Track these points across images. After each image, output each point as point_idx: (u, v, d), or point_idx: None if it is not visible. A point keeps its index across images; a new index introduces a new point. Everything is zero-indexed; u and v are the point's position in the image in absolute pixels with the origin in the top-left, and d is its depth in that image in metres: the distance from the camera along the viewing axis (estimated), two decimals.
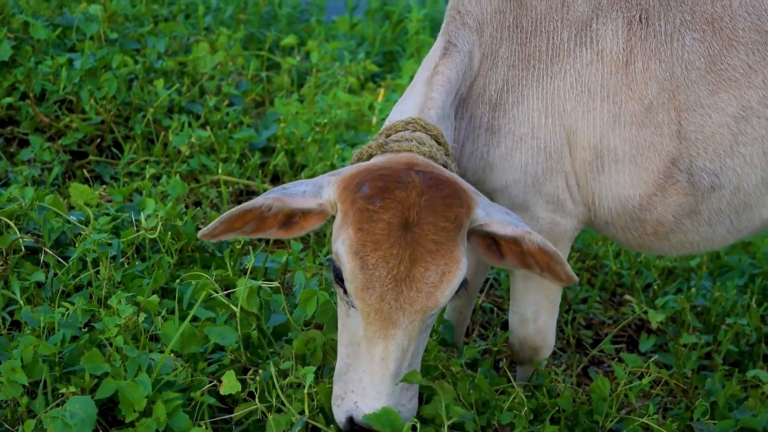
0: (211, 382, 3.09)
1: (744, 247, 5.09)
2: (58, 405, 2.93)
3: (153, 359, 3.06)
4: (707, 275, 4.87)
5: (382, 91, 5.61)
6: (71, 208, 3.94)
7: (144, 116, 4.75)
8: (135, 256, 3.73)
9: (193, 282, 3.37)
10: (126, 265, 3.63)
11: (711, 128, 3.27)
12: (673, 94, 3.26)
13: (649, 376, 3.47)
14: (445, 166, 2.99)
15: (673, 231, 3.40)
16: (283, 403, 2.99)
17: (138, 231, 3.68)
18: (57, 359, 3.05)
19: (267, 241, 4.23)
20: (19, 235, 3.60)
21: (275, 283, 3.29)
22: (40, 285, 3.54)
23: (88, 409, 2.82)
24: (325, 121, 4.82)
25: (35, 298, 3.48)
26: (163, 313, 3.31)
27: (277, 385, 2.99)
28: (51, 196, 3.84)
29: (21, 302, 3.37)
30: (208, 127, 4.78)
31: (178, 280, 3.49)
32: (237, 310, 3.22)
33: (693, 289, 4.55)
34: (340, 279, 2.82)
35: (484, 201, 2.97)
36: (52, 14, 5.24)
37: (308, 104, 5.24)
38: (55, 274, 3.58)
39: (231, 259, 3.70)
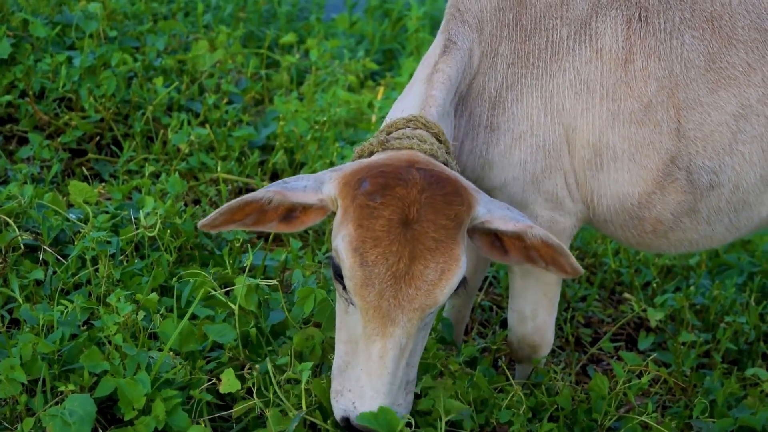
0: (209, 380, 3.09)
1: (743, 245, 5.09)
2: (57, 403, 2.93)
3: (152, 357, 3.06)
4: (706, 273, 4.87)
5: (381, 89, 5.61)
6: (70, 206, 3.95)
7: (143, 114, 4.75)
8: (134, 254, 3.73)
9: (191, 280, 3.37)
10: (125, 263, 3.63)
11: (710, 126, 3.27)
12: (672, 92, 3.26)
13: (648, 374, 3.47)
14: (446, 164, 2.99)
15: (672, 229, 3.40)
16: (280, 399, 2.99)
17: (137, 229, 3.68)
18: (56, 357, 3.06)
19: (266, 239, 4.23)
20: (18, 232, 3.60)
21: (274, 281, 3.29)
22: (39, 283, 3.54)
23: (87, 407, 2.82)
24: (325, 119, 4.82)
25: (34, 296, 3.48)
26: (162, 311, 3.31)
27: (273, 381, 2.99)
28: (50, 194, 3.84)
29: (20, 300, 3.37)
30: (207, 125, 4.78)
31: (176, 278, 3.49)
32: (235, 308, 3.22)
33: (692, 288, 4.55)
34: (339, 276, 2.82)
35: (484, 198, 2.97)
36: (51, 12, 5.23)
37: (307, 102, 5.24)
38: (54, 272, 3.58)
39: (230, 257, 3.70)
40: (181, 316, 3.21)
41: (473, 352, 3.50)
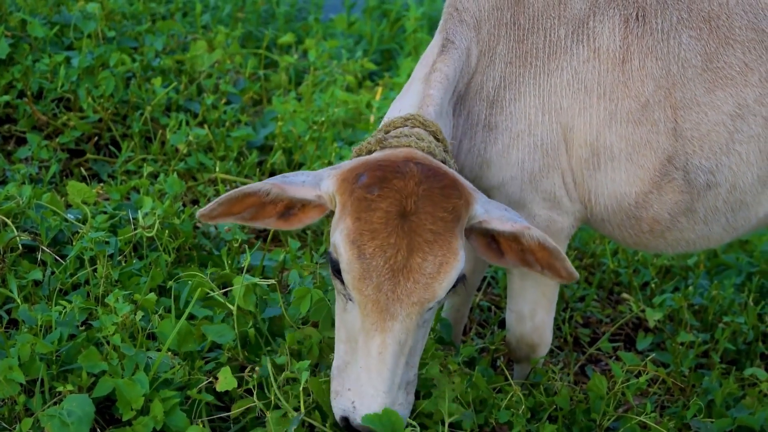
0: (208, 380, 3.09)
1: (741, 245, 5.09)
2: (55, 403, 2.93)
3: (150, 357, 3.06)
4: (705, 273, 4.87)
5: (379, 89, 5.61)
6: (68, 206, 3.95)
7: (141, 114, 4.75)
8: (132, 254, 3.73)
9: (190, 280, 3.37)
10: (123, 264, 3.63)
11: (707, 126, 3.27)
12: (669, 91, 3.26)
13: (647, 374, 3.48)
14: (444, 162, 2.99)
15: (669, 229, 3.40)
16: (279, 400, 2.98)
17: (135, 229, 3.68)
18: (54, 357, 3.05)
19: (264, 239, 4.23)
20: (16, 233, 3.59)
21: (272, 281, 3.29)
22: (37, 283, 3.54)
23: (85, 408, 2.82)
24: (323, 119, 4.82)
25: (32, 296, 3.48)
26: (161, 311, 3.31)
27: (273, 382, 2.99)
28: (48, 195, 3.83)
29: (18, 300, 3.37)
30: (205, 126, 4.78)
31: (175, 279, 3.49)
32: (234, 308, 3.22)
33: (690, 288, 4.55)
34: (337, 271, 2.82)
35: (482, 198, 2.97)
36: (49, 12, 5.23)
37: (306, 102, 5.24)
38: (53, 273, 3.58)
39: (228, 258, 3.70)
40: (179, 317, 3.20)
41: (472, 352, 3.50)
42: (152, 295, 3.31)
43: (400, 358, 2.80)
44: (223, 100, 5.00)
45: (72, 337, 3.17)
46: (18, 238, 3.59)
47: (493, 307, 4.43)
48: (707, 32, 3.28)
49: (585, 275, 4.73)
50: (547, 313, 3.50)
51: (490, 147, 3.29)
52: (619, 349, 4.32)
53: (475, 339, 4.14)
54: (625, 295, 4.49)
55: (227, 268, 3.59)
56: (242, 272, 3.36)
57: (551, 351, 4.16)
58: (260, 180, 4.56)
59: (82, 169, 4.52)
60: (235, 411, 3.02)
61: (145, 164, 4.41)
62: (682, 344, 4.03)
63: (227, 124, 4.83)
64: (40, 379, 2.97)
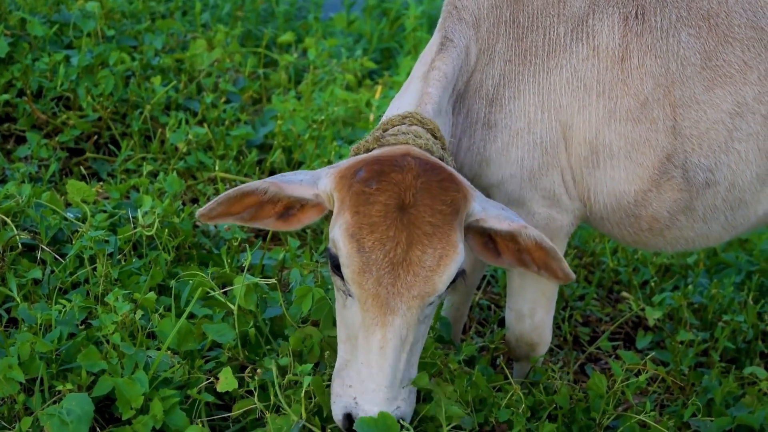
0: (208, 379, 3.09)
1: (741, 244, 5.09)
2: (55, 402, 2.93)
3: (150, 356, 3.06)
4: (704, 272, 4.87)
5: (379, 88, 5.61)
6: (68, 205, 3.94)
7: (141, 113, 4.75)
8: (132, 253, 3.73)
9: (190, 280, 3.37)
10: (123, 263, 3.63)
11: (706, 124, 3.27)
12: (668, 89, 3.26)
13: (646, 373, 3.47)
14: (442, 160, 2.99)
15: (668, 227, 3.40)
16: (281, 402, 2.98)
17: (135, 228, 3.68)
18: (54, 356, 3.05)
19: (264, 238, 4.23)
20: (16, 232, 3.59)
21: (272, 280, 3.29)
22: (36, 282, 3.54)
23: (84, 407, 2.82)
24: (323, 118, 4.81)
25: (32, 295, 3.48)
26: (161, 310, 3.31)
27: (276, 384, 2.98)
28: (48, 193, 3.83)
29: (18, 299, 3.37)
30: (205, 124, 4.78)
31: (175, 279, 3.49)
32: (234, 307, 3.21)
33: (690, 286, 4.55)
34: (336, 267, 2.82)
35: (480, 196, 2.97)
36: (49, 11, 5.23)
37: (305, 101, 5.24)
38: (52, 271, 3.58)
39: (228, 256, 3.70)
40: (179, 316, 3.20)
41: (472, 351, 3.50)
42: (152, 294, 3.31)
43: (401, 354, 2.80)
44: (223, 99, 5.00)
45: (71, 336, 3.17)
46: (17, 237, 3.59)
47: (492, 305, 4.43)
48: (706, 30, 3.28)
49: (584, 274, 4.73)
50: (546, 312, 3.50)
51: (489, 145, 3.29)
52: (618, 348, 4.33)
53: (475, 338, 4.14)
54: (624, 294, 4.49)
55: (227, 266, 3.58)
56: (242, 271, 3.36)
57: (551, 350, 4.16)
58: (259, 179, 4.57)
59: (82, 167, 4.51)
60: (236, 411, 3.02)
61: (144, 163, 4.41)
62: (681, 343, 4.03)
63: (227, 122, 4.82)
64: (39, 378, 2.97)
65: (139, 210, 3.71)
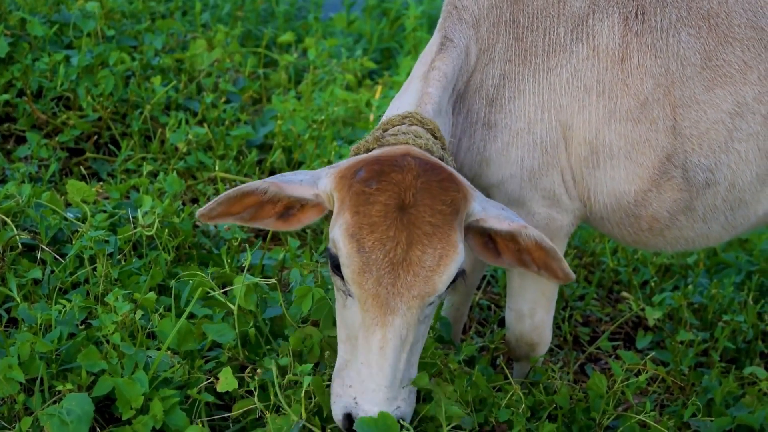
0: (208, 379, 3.09)
1: (741, 244, 5.09)
2: (55, 402, 2.93)
3: (150, 356, 3.06)
4: (704, 272, 4.87)
5: (379, 88, 5.61)
6: (68, 205, 3.94)
7: (141, 113, 4.75)
8: (132, 253, 3.73)
9: (190, 279, 3.37)
10: (123, 263, 3.63)
11: (706, 124, 3.27)
12: (668, 89, 3.26)
13: (646, 373, 3.47)
14: (442, 159, 2.99)
15: (668, 227, 3.40)
16: (281, 402, 2.98)
17: (135, 228, 3.68)
18: (54, 356, 3.05)
19: (264, 238, 4.23)
20: (16, 232, 3.59)
21: (272, 280, 3.29)
22: (36, 282, 3.54)
23: (84, 407, 2.82)
24: (323, 118, 4.81)
25: (32, 295, 3.48)
26: (161, 310, 3.31)
27: (276, 384, 2.98)
28: (48, 193, 3.83)
29: (18, 299, 3.37)
30: (205, 124, 4.78)
31: (176, 279, 3.49)
32: (234, 307, 3.21)
33: (690, 286, 4.55)
34: (336, 267, 2.82)
35: (480, 196, 2.97)
36: (49, 11, 5.23)
37: (305, 101, 5.24)
38: (52, 271, 3.58)
39: (228, 256, 3.70)
40: (179, 316, 3.20)
41: (472, 351, 3.50)
42: (152, 294, 3.31)
43: (401, 354, 2.80)
44: (223, 99, 5.00)
45: (71, 336, 3.17)
46: (17, 237, 3.59)
47: (492, 305, 4.43)
48: (706, 30, 3.28)
49: (584, 274, 4.73)
50: (546, 312, 3.50)
51: (489, 145, 3.29)
52: (618, 348, 4.33)
53: (475, 338, 4.14)
54: (624, 294, 4.49)
55: (227, 266, 3.58)
56: (242, 271, 3.36)
57: (551, 350, 4.16)
58: (259, 179, 4.57)
59: (82, 167, 4.51)
60: (236, 411, 3.02)
61: (144, 163, 4.41)
62: (681, 343, 4.03)
63: (227, 122, 4.82)
64: (39, 378, 2.97)
65: (139, 210, 3.71)
